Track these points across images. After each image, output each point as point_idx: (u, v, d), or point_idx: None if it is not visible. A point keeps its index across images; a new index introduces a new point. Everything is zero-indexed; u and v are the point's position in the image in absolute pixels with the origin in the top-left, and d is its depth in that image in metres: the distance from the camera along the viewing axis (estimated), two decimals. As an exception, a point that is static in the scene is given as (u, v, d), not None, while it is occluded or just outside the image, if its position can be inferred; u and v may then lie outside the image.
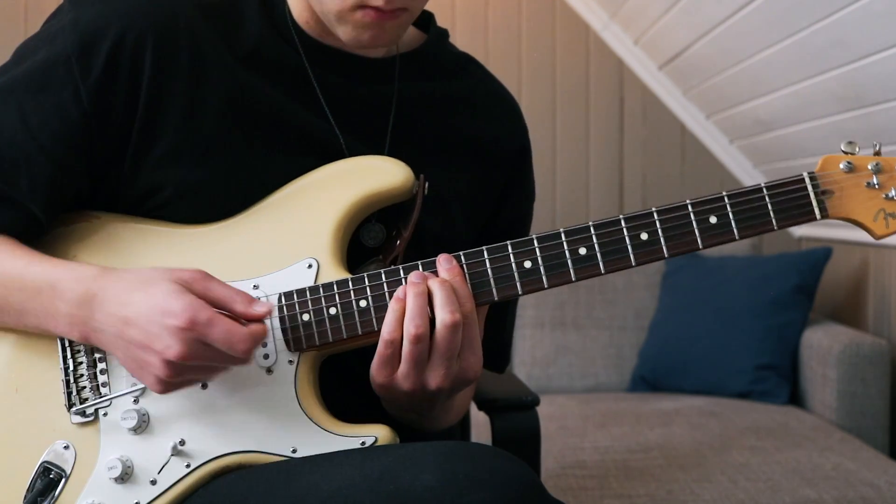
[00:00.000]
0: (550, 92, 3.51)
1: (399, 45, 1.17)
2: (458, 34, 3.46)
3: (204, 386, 1.03)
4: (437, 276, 1.01)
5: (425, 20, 1.23)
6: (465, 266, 1.02)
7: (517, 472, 0.91)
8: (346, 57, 1.13)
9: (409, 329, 0.98)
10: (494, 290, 1.02)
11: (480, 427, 1.71)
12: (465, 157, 1.18)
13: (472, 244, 1.05)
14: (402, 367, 1.00)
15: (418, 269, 1.03)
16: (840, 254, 3.07)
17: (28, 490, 1.04)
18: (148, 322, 0.95)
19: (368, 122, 1.13)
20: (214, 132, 1.07)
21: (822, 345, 2.70)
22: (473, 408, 1.56)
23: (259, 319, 0.98)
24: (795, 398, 2.85)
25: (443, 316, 0.98)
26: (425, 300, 0.99)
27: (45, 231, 1.08)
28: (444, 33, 1.23)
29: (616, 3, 3.33)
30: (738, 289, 2.93)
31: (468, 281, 1.02)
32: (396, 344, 0.99)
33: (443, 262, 1.01)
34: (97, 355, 1.05)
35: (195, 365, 0.96)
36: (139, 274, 1.00)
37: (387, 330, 0.99)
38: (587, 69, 3.53)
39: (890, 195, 1.01)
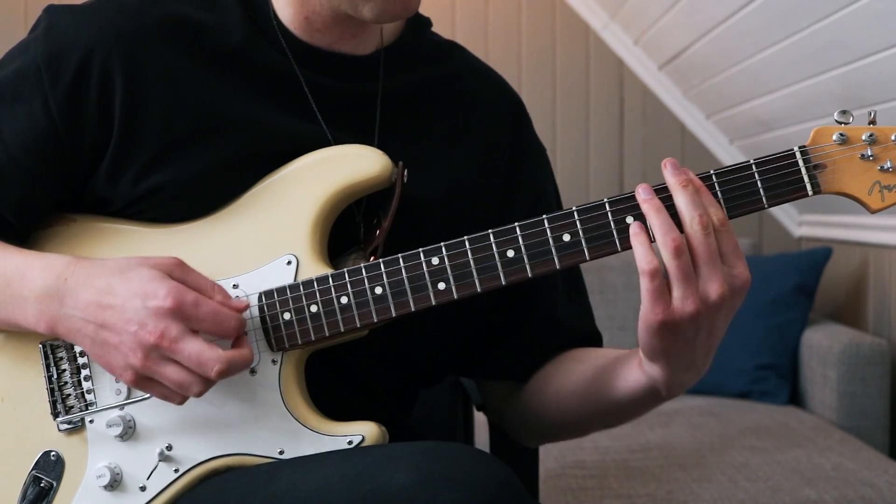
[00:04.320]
0: (550, 92, 3.51)
1: (383, 37, 1.16)
2: (459, 34, 3.46)
3: None
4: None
5: None
6: (446, 258, 0.99)
7: (494, 473, 0.89)
8: (333, 57, 1.11)
9: (667, 244, 0.93)
10: (477, 282, 0.99)
11: (480, 427, 1.71)
12: (460, 142, 1.17)
13: (483, 228, 1.01)
14: (677, 291, 0.93)
15: (398, 262, 1.00)
16: (840, 254, 3.07)
17: (20, 500, 1.04)
18: (127, 306, 0.94)
19: (358, 121, 1.11)
20: (195, 137, 1.05)
21: (822, 345, 2.70)
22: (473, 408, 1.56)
23: (239, 312, 0.98)
24: (795, 398, 2.85)
25: (691, 216, 0.93)
26: (667, 213, 0.94)
27: (21, 238, 1.08)
28: (425, 22, 1.21)
29: (616, 3, 3.33)
30: (738, 289, 2.93)
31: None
32: (660, 272, 0.93)
33: (671, 172, 0.95)
34: (80, 361, 1.04)
35: (168, 359, 0.94)
36: (115, 261, 0.99)
37: (644, 261, 0.93)
38: (587, 69, 3.53)
39: (885, 167, 0.96)
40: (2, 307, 1.03)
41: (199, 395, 0.96)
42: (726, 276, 0.94)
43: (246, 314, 1.01)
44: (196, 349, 0.93)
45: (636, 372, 1.03)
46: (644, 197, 0.95)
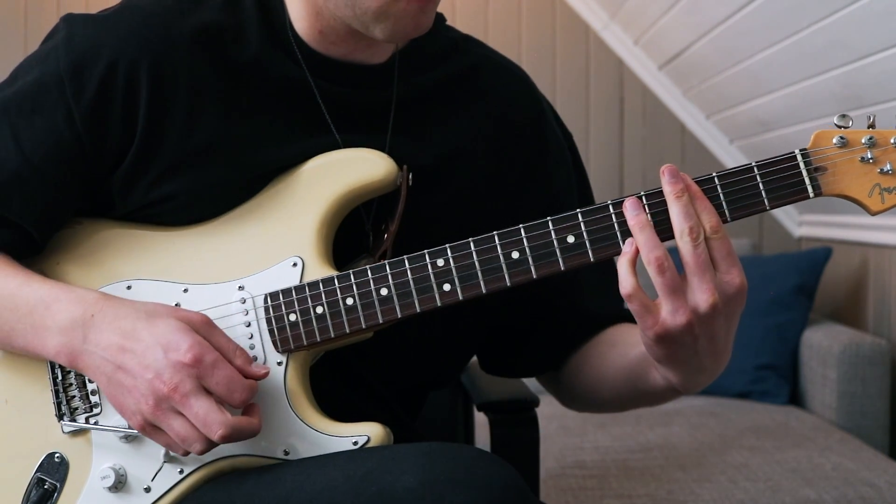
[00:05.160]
0: (550, 92, 3.51)
1: (398, 42, 1.15)
2: (458, 34, 3.46)
3: None
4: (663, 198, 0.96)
5: None
6: (451, 259, 1.00)
7: (499, 474, 0.90)
8: (349, 67, 1.11)
9: (651, 262, 0.93)
10: (482, 283, 0.99)
11: (480, 428, 1.71)
12: (478, 137, 1.16)
13: (498, 225, 1.01)
14: (666, 305, 0.94)
15: (403, 263, 1.00)
16: (840, 254, 3.07)
17: (23, 501, 1.04)
18: (147, 353, 0.95)
19: (371, 129, 1.11)
20: (214, 144, 1.06)
21: (822, 345, 2.70)
22: (474, 408, 1.56)
23: (256, 379, 0.98)
24: (795, 398, 2.85)
25: (679, 227, 0.94)
26: (653, 228, 0.95)
27: (40, 249, 1.08)
28: (439, 17, 1.19)
29: (616, 3, 3.33)
30: (738, 289, 2.93)
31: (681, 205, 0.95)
32: (638, 293, 0.95)
33: (668, 180, 0.95)
34: None
35: (177, 412, 0.94)
36: (143, 305, 0.99)
37: (624, 285, 0.94)
38: (587, 69, 3.54)
39: (885, 169, 0.97)
40: (20, 335, 1.03)
41: (200, 453, 0.96)
42: (718, 285, 0.94)
43: (254, 316, 1.01)
44: (204, 409, 0.94)
45: (655, 374, 1.05)
46: (631, 213, 0.96)
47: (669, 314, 0.94)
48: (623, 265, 0.95)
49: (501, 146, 1.18)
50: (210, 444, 0.95)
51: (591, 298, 1.20)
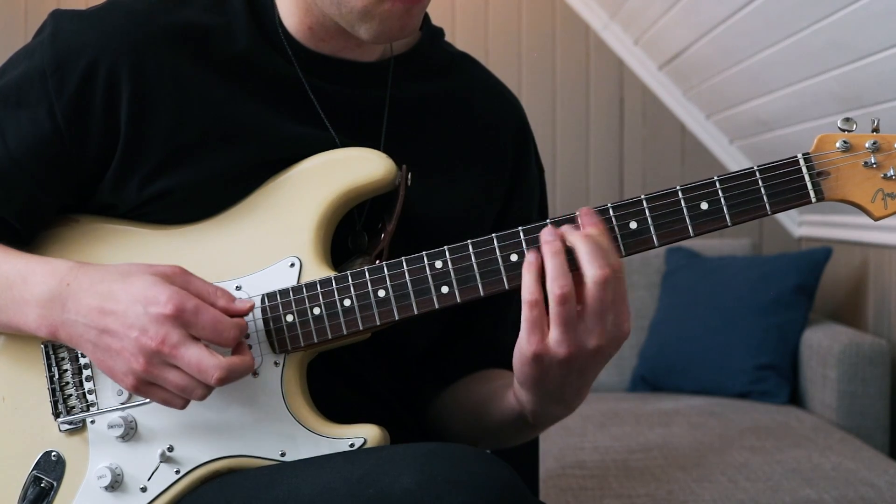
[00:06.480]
0: (550, 92, 3.51)
1: (393, 46, 1.16)
2: (458, 34, 3.46)
3: None
4: (576, 231, 0.96)
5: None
6: (450, 261, 0.99)
7: (497, 474, 0.90)
8: (339, 64, 1.11)
9: (554, 290, 0.92)
10: (480, 285, 0.99)
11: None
12: (465, 157, 1.16)
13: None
14: (553, 333, 0.93)
15: (401, 265, 1.00)
16: (840, 254, 3.07)
17: (20, 500, 1.04)
18: (128, 311, 0.94)
19: (365, 128, 1.11)
20: (203, 143, 1.05)
21: (822, 345, 2.70)
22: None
23: (240, 316, 0.98)
24: (795, 398, 2.85)
25: (592, 272, 0.92)
26: (564, 258, 0.94)
27: (24, 241, 1.09)
28: (438, 32, 1.21)
29: (616, 3, 3.33)
30: (738, 289, 2.93)
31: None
32: (540, 304, 0.93)
33: (586, 216, 0.96)
34: (82, 362, 1.05)
35: (170, 364, 0.94)
36: (117, 267, 0.99)
37: (527, 292, 0.93)
38: (587, 69, 3.54)
39: (889, 174, 0.96)
40: (3, 311, 1.03)
41: (201, 398, 0.96)
42: (609, 327, 0.94)
43: (249, 315, 1.01)
44: (196, 356, 0.93)
45: (511, 398, 1.05)
46: (546, 239, 0.95)
47: (555, 343, 0.93)
48: (530, 273, 0.94)
49: (488, 169, 1.18)
50: (209, 390, 0.95)
51: (505, 335, 1.18)
